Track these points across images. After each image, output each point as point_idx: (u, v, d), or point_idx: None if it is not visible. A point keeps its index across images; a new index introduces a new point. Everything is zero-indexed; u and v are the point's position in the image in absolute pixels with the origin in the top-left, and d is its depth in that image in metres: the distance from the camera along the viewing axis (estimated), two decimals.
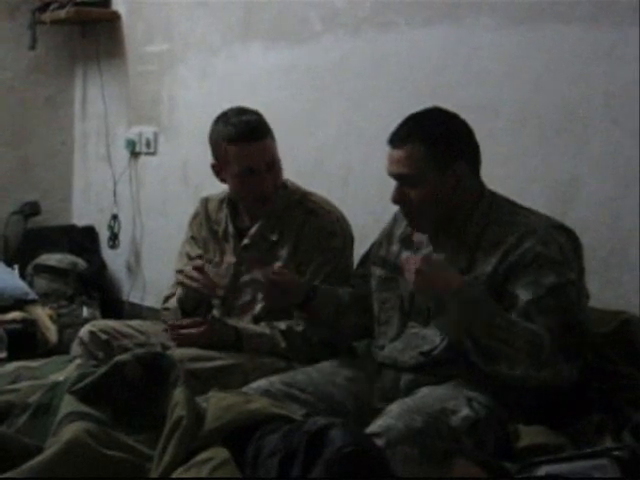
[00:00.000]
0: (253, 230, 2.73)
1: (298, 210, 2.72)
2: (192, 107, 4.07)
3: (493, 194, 2.30)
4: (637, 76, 2.49)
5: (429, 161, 2.18)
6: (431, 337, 2.24)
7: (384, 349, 2.36)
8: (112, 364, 2.10)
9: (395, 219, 2.47)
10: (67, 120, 4.86)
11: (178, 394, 1.95)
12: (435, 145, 2.18)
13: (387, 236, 2.46)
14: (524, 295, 2.10)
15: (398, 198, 2.24)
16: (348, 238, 2.77)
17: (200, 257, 2.80)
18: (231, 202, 2.81)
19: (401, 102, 3.12)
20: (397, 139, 2.22)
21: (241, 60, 3.80)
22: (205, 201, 2.90)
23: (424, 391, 2.17)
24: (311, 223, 2.69)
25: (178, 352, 2.51)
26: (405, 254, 2.34)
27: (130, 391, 2.07)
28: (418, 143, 2.18)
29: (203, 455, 1.82)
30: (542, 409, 2.23)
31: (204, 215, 2.87)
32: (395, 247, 2.41)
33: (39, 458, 1.83)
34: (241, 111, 2.68)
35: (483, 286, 2.12)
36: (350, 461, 1.70)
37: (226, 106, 3.81)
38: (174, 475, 1.81)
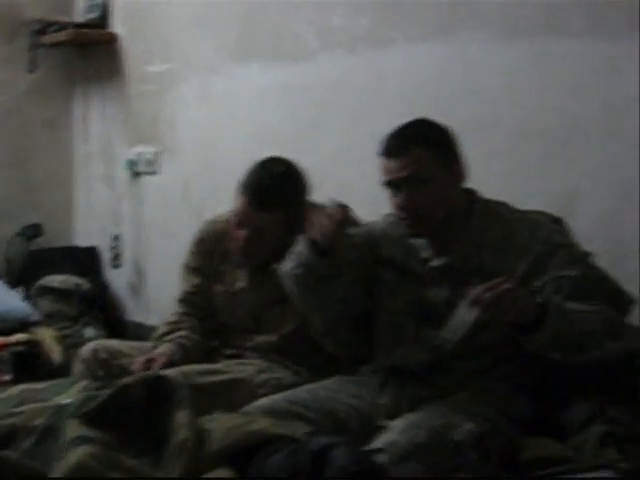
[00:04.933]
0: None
1: None
2: (192, 126, 4.08)
3: (484, 199, 2.33)
4: (636, 88, 2.49)
5: (434, 161, 2.22)
6: (444, 335, 2.23)
7: (396, 351, 2.35)
8: (117, 387, 2.10)
9: (384, 221, 2.43)
10: (68, 142, 4.86)
11: (182, 416, 1.96)
12: (436, 146, 2.23)
13: (384, 238, 2.39)
14: (572, 272, 2.13)
15: (405, 203, 2.22)
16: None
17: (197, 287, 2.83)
18: None
19: (399, 119, 3.11)
20: (396, 148, 2.23)
21: (239, 79, 3.81)
22: (213, 224, 2.88)
23: (428, 406, 2.17)
24: None
25: (186, 367, 2.51)
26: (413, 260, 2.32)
27: (135, 413, 2.07)
28: (420, 147, 2.21)
29: (208, 477, 1.82)
30: (546, 421, 2.23)
31: (214, 239, 2.85)
32: (399, 248, 2.37)
33: None
34: None
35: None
36: None
37: (225, 125, 3.86)
38: None
